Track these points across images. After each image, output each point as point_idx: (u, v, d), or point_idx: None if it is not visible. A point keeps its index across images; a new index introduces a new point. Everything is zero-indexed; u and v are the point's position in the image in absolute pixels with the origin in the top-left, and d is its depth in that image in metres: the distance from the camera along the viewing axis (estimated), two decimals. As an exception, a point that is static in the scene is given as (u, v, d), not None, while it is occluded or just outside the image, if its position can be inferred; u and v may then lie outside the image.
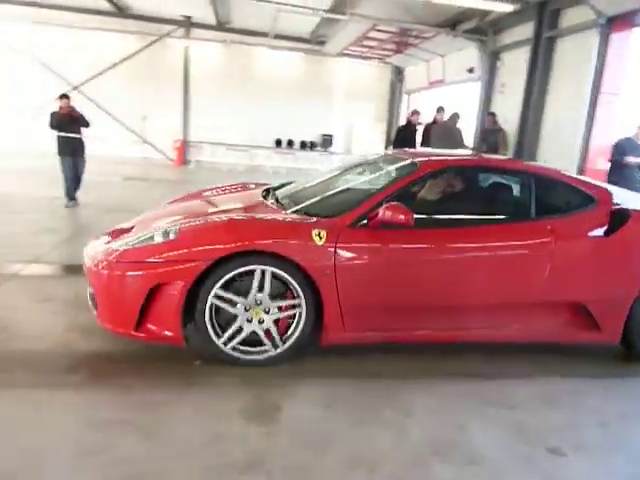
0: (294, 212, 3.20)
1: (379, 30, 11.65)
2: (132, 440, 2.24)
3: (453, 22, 10.99)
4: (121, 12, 14.20)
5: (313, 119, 16.15)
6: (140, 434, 2.28)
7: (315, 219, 3.03)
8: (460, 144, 8.41)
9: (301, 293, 2.85)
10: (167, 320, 2.78)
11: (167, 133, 15.22)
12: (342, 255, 2.87)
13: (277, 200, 3.56)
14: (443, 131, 8.51)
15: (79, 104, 8.24)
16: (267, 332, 2.89)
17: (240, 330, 2.85)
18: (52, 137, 7.60)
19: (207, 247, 2.74)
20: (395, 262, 3.03)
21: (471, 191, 3.71)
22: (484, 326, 3.23)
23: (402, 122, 13.81)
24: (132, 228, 3.39)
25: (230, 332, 2.85)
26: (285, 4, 10.74)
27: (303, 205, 3.30)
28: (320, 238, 2.85)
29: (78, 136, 7.63)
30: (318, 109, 16.14)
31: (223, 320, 2.86)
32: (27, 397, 2.52)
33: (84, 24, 14.05)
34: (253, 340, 2.91)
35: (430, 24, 10.98)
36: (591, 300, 3.25)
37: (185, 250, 2.76)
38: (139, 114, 15.03)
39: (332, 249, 2.85)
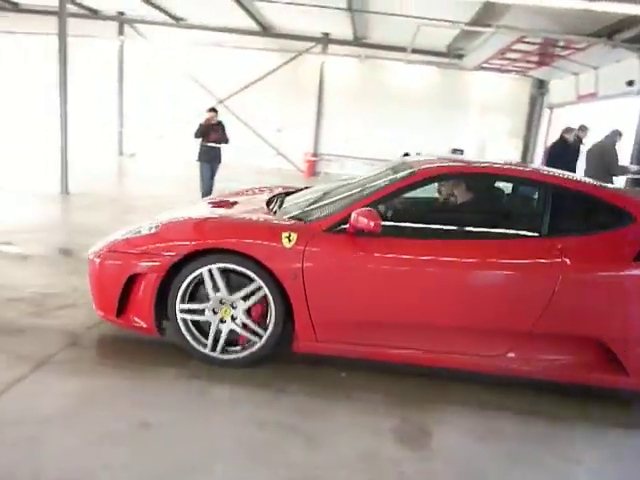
0: (286, 217, 3.14)
1: (524, 42, 11.03)
2: (292, 444, 2.30)
3: (611, 31, 10.05)
4: (266, 31, 15.10)
5: (444, 133, 15.75)
6: (298, 439, 2.34)
7: (293, 222, 2.98)
8: (615, 165, 7.61)
9: (256, 277, 2.78)
10: (142, 311, 2.90)
11: (299, 145, 15.83)
12: (311, 260, 2.76)
13: (280, 205, 3.52)
14: (599, 151, 7.75)
15: (223, 117, 8.87)
16: (245, 326, 2.90)
17: (219, 333, 2.89)
18: (195, 146, 8.32)
19: (175, 243, 2.85)
20: (371, 272, 2.80)
21: (473, 201, 3.31)
22: (473, 353, 2.87)
23: (553, 139, 12.93)
24: (235, 203, 3.66)
25: (211, 339, 2.90)
26: (424, 18, 10.64)
27: (294, 210, 3.23)
28: (289, 240, 2.77)
29: (218, 146, 8.22)
30: (450, 123, 15.72)
31: (202, 328, 2.96)
32: (191, 389, 2.70)
33: (232, 43, 15.16)
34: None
35: (583, 34, 10.15)
36: (613, 338, 2.75)
37: (159, 244, 2.88)
38: (275, 127, 15.81)
39: (301, 252, 2.74)
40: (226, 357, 2.93)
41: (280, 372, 2.94)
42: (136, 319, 2.95)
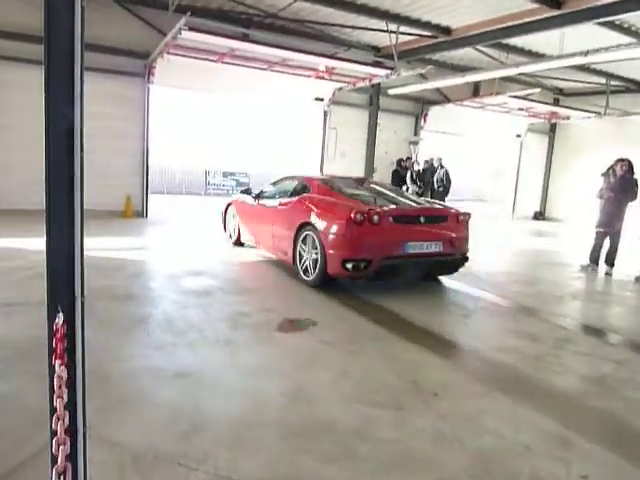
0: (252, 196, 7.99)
1: None
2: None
3: None
4: None
5: None
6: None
7: (246, 196, 8.22)
8: None
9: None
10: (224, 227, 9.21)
11: None
12: (237, 206, 8.34)
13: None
14: None
15: None
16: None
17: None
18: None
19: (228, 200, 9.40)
20: (252, 212, 7.71)
21: (291, 188, 7.11)
22: (280, 249, 6.74)
23: None
24: None
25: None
26: None
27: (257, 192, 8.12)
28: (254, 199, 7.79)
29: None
30: None
31: None
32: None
33: None
34: None
35: None
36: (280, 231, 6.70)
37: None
38: None
39: (256, 202, 7.70)
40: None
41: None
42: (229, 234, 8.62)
